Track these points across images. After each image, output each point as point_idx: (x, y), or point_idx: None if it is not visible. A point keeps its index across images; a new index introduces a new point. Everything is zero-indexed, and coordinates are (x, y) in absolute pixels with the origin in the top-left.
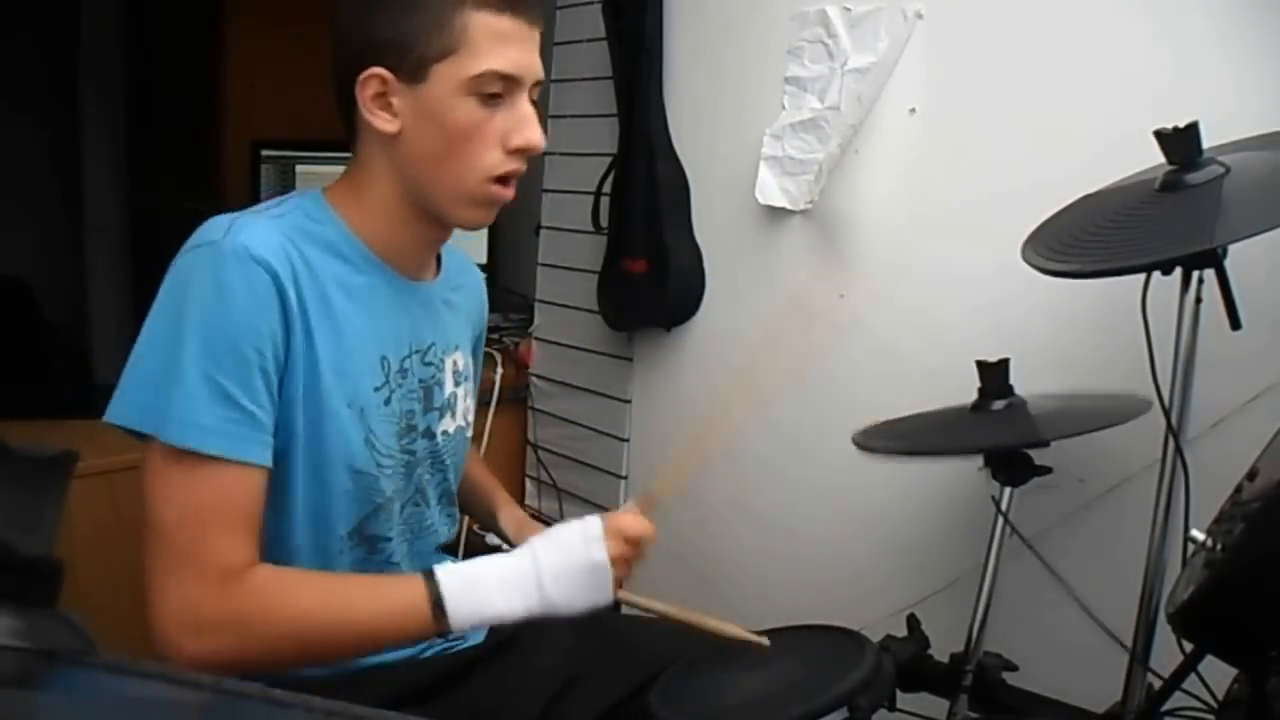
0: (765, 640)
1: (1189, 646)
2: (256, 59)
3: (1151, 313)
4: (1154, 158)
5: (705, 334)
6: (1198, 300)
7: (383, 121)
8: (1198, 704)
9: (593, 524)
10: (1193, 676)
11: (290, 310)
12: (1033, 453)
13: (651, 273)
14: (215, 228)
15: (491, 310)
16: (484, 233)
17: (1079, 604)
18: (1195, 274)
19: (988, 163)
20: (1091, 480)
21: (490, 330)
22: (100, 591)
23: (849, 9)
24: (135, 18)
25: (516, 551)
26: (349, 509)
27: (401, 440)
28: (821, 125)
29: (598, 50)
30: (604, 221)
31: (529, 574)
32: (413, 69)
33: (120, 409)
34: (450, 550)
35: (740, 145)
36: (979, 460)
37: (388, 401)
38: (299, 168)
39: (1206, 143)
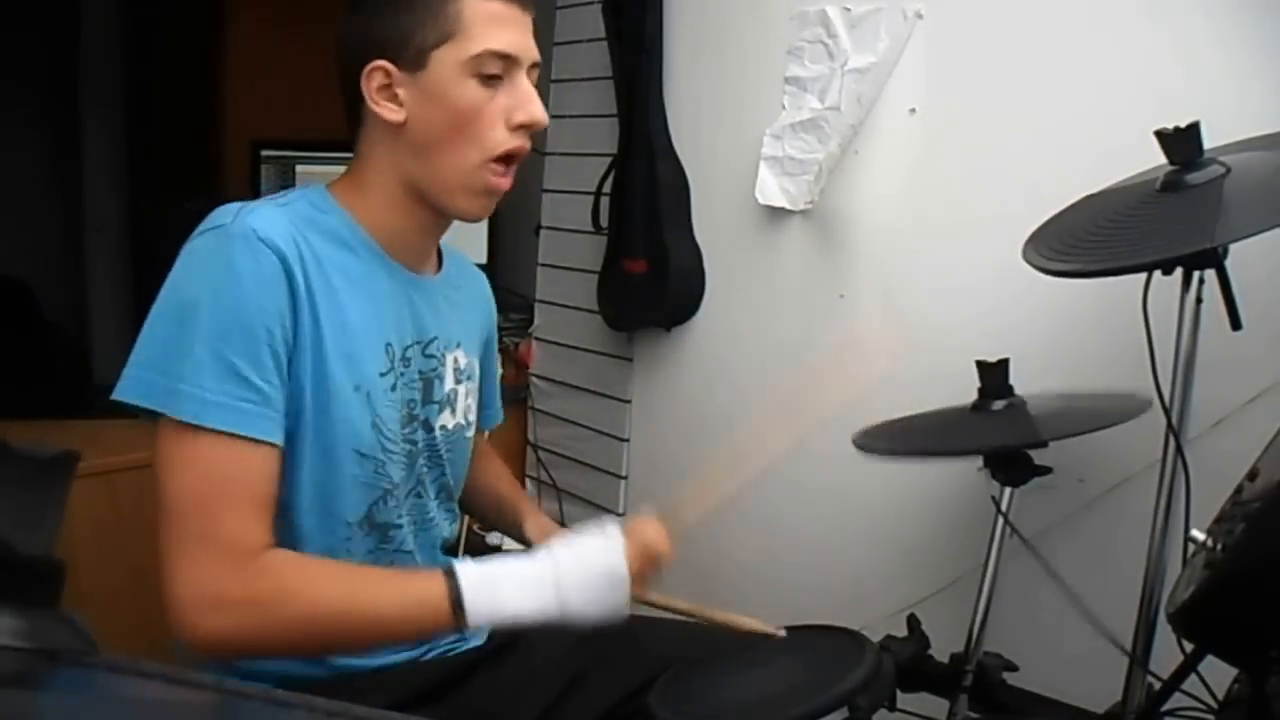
0: (781, 630)
1: (1189, 647)
2: (256, 59)
3: (1152, 313)
4: (1155, 158)
5: (705, 334)
6: (1198, 300)
7: (389, 111)
8: (1198, 704)
9: (615, 534)
10: (1193, 676)
11: (298, 291)
12: (1033, 453)
13: (651, 273)
14: (224, 213)
15: None
16: (484, 233)
17: (1078, 606)
18: (1196, 274)
19: (988, 163)
20: (1091, 480)
21: None
22: (101, 591)
23: (849, 9)
24: (135, 18)
25: (537, 554)
26: (358, 496)
27: (404, 429)
28: (821, 125)
29: (598, 50)
30: (604, 221)
31: (548, 577)
32: (414, 58)
33: (129, 386)
34: (452, 550)
35: (740, 145)
36: (979, 460)
37: (393, 388)
38: (299, 168)
39: (1207, 143)
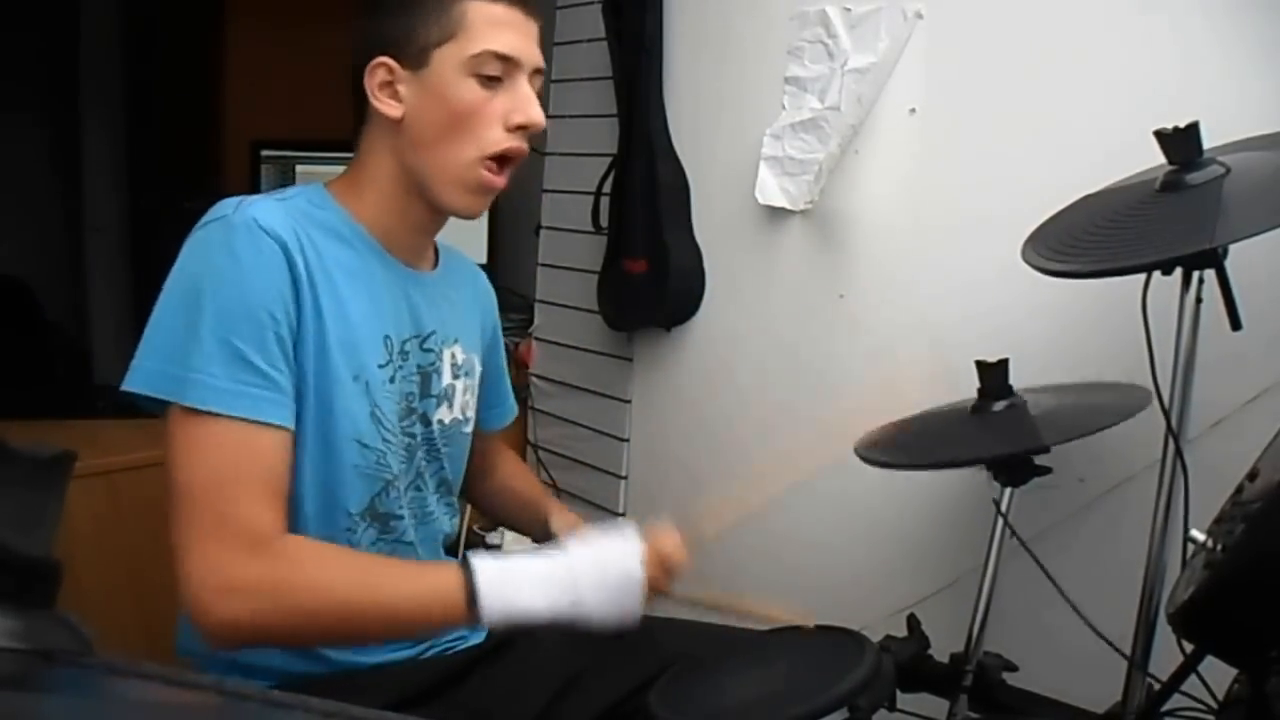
0: (810, 623)
1: (1189, 647)
2: (256, 59)
3: (1152, 313)
4: (1154, 158)
5: (705, 334)
6: (1198, 300)
7: (389, 107)
8: (1198, 704)
9: (635, 541)
10: (1193, 677)
11: (299, 279)
12: None
13: (651, 273)
14: (225, 205)
15: None
16: (484, 233)
17: (1075, 612)
18: (1195, 274)
19: (988, 163)
20: (1091, 480)
21: None
22: (100, 591)
23: (849, 9)
24: (135, 18)
25: (554, 552)
26: (360, 486)
27: (403, 421)
28: (821, 125)
29: (598, 50)
30: (604, 221)
31: (565, 576)
32: (416, 55)
33: (138, 376)
34: (452, 548)
35: (740, 145)
36: None
37: (392, 379)
38: (299, 168)
39: (1207, 143)
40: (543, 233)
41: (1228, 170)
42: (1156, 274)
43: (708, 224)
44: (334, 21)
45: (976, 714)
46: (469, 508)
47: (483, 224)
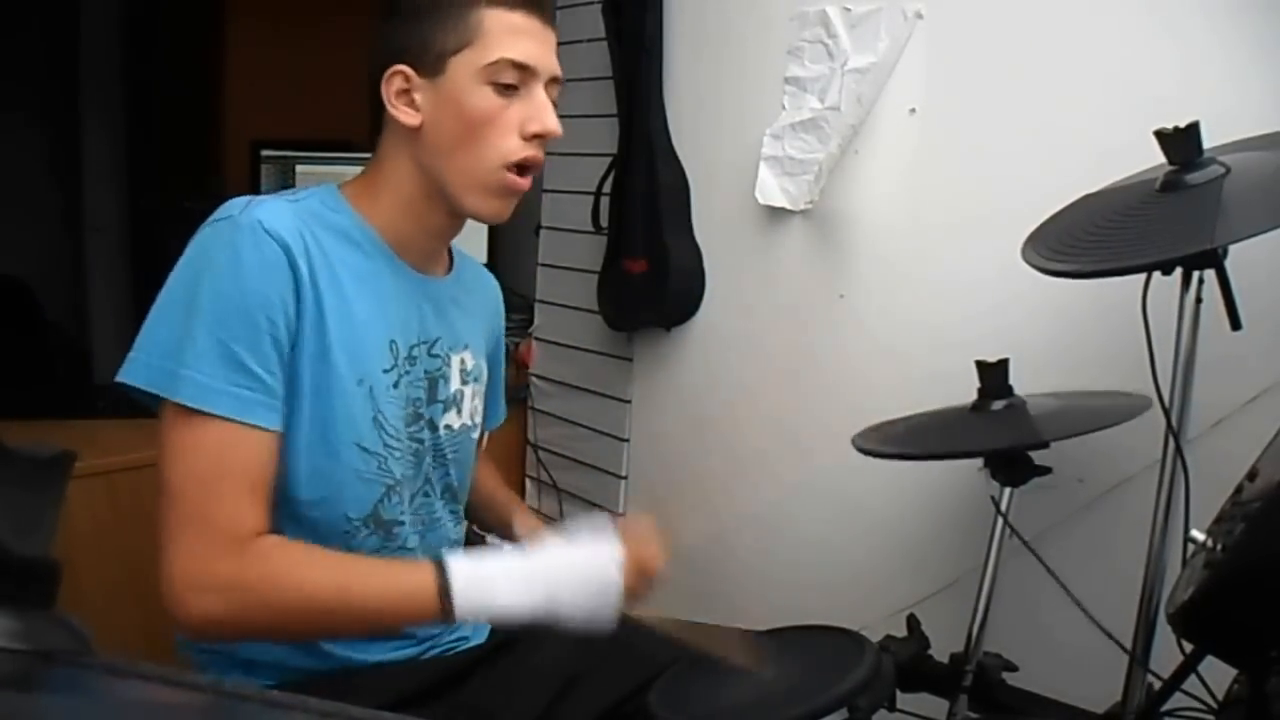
0: (763, 658)
1: (1189, 647)
2: (256, 59)
3: (1152, 313)
4: (1154, 158)
5: (705, 334)
6: (1198, 300)
7: (406, 115)
8: (1198, 704)
9: (614, 545)
10: (1193, 677)
11: (302, 282)
12: (1033, 453)
13: (651, 273)
14: (233, 205)
15: None
16: (484, 233)
17: (1078, 605)
18: (1195, 274)
19: (988, 163)
20: (1091, 480)
21: None
22: (100, 591)
23: (849, 9)
24: (135, 18)
25: (531, 552)
26: (362, 491)
27: (409, 427)
28: (821, 125)
29: (598, 50)
30: (604, 221)
31: (541, 576)
32: (433, 64)
33: (133, 369)
34: None
35: (740, 145)
36: (979, 460)
37: (396, 385)
38: (299, 168)
39: (1207, 143)
40: (543, 233)
41: (1228, 170)
42: (1156, 274)
43: (708, 224)
44: (334, 22)
45: (976, 714)
46: None
47: (483, 224)
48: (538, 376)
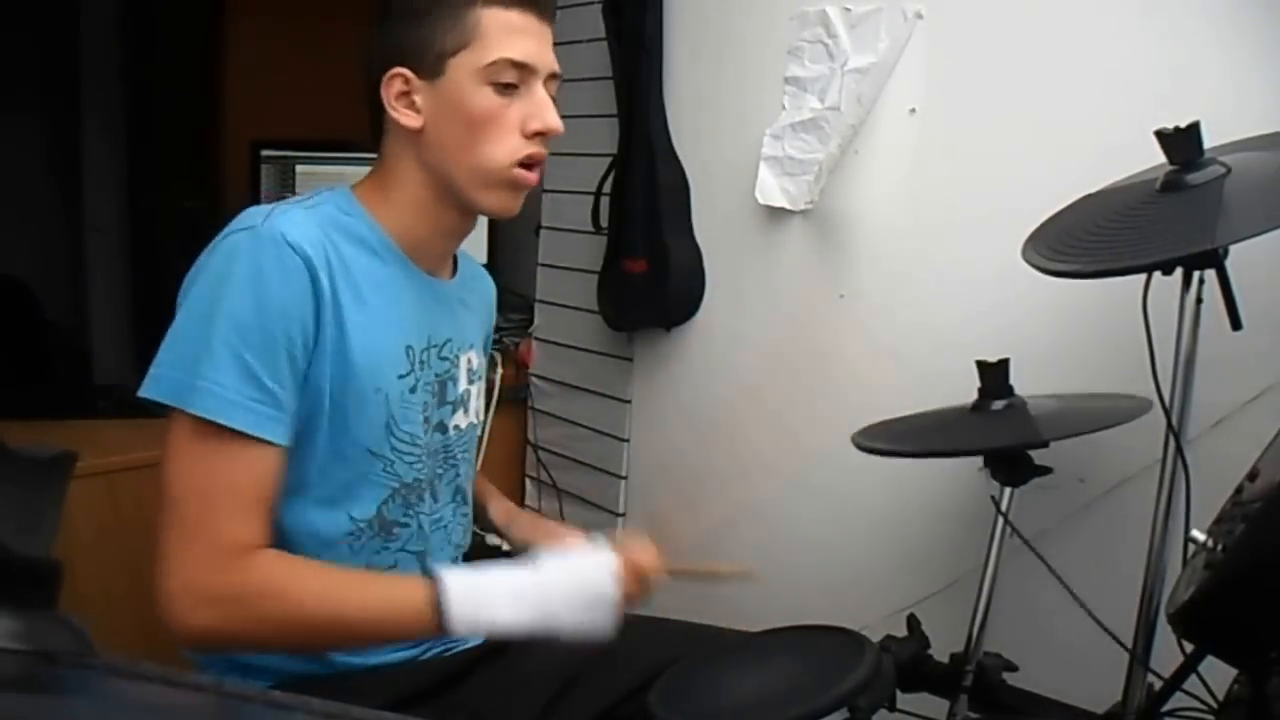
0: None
1: (1189, 647)
2: (256, 59)
3: (1152, 313)
4: (1155, 158)
5: (705, 334)
6: (1198, 300)
7: (407, 118)
8: (1198, 704)
9: (609, 557)
10: (1193, 677)
11: (323, 296)
12: (1033, 453)
13: (651, 273)
14: (254, 214)
15: None
16: (484, 233)
17: (1079, 604)
18: (1196, 274)
19: (988, 163)
20: (1091, 480)
21: None
22: (100, 592)
23: (849, 9)
24: (135, 18)
25: (527, 565)
26: (368, 494)
27: (421, 429)
28: (821, 125)
29: (598, 50)
30: (604, 222)
31: (536, 591)
32: (432, 65)
33: (153, 384)
34: (466, 556)
35: (740, 145)
36: (979, 460)
37: (412, 389)
38: (299, 168)
39: (1208, 143)
40: (543, 233)
41: (1228, 170)
42: (1157, 274)
43: (708, 224)
44: (334, 21)
45: (976, 714)
46: None
47: (483, 223)
48: (538, 376)
